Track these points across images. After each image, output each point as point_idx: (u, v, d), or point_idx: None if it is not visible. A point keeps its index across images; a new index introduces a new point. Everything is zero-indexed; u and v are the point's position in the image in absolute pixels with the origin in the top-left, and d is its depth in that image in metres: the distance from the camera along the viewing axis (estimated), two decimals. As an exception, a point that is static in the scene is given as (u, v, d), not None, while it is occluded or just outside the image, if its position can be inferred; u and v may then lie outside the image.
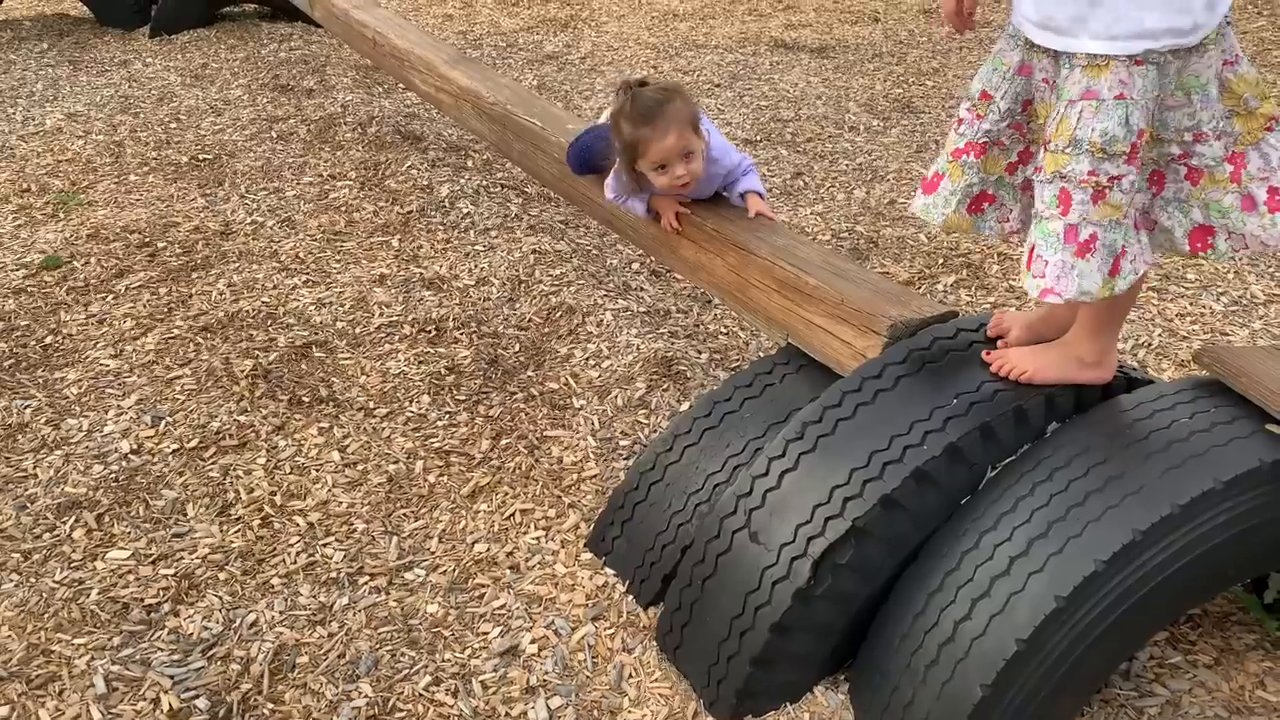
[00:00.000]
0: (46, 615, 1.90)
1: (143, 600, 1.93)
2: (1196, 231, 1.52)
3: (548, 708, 1.72)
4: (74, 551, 2.05)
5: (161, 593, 1.95)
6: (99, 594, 1.95)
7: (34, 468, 2.29)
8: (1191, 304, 2.93)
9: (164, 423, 2.42)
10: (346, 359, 2.68)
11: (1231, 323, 2.84)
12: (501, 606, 1.92)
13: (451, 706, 1.73)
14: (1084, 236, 1.47)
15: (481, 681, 1.77)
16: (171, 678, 1.77)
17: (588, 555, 2.01)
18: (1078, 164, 1.44)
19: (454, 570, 2.01)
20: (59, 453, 2.33)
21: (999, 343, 1.74)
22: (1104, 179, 1.44)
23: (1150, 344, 2.75)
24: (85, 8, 6.11)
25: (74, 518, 2.13)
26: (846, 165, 4.02)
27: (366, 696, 1.74)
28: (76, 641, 1.85)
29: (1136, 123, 1.42)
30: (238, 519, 2.14)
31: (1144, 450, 1.50)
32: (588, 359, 2.66)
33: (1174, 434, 1.52)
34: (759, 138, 4.31)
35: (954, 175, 1.64)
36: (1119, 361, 1.70)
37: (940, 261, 3.21)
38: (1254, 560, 1.56)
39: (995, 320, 1.78)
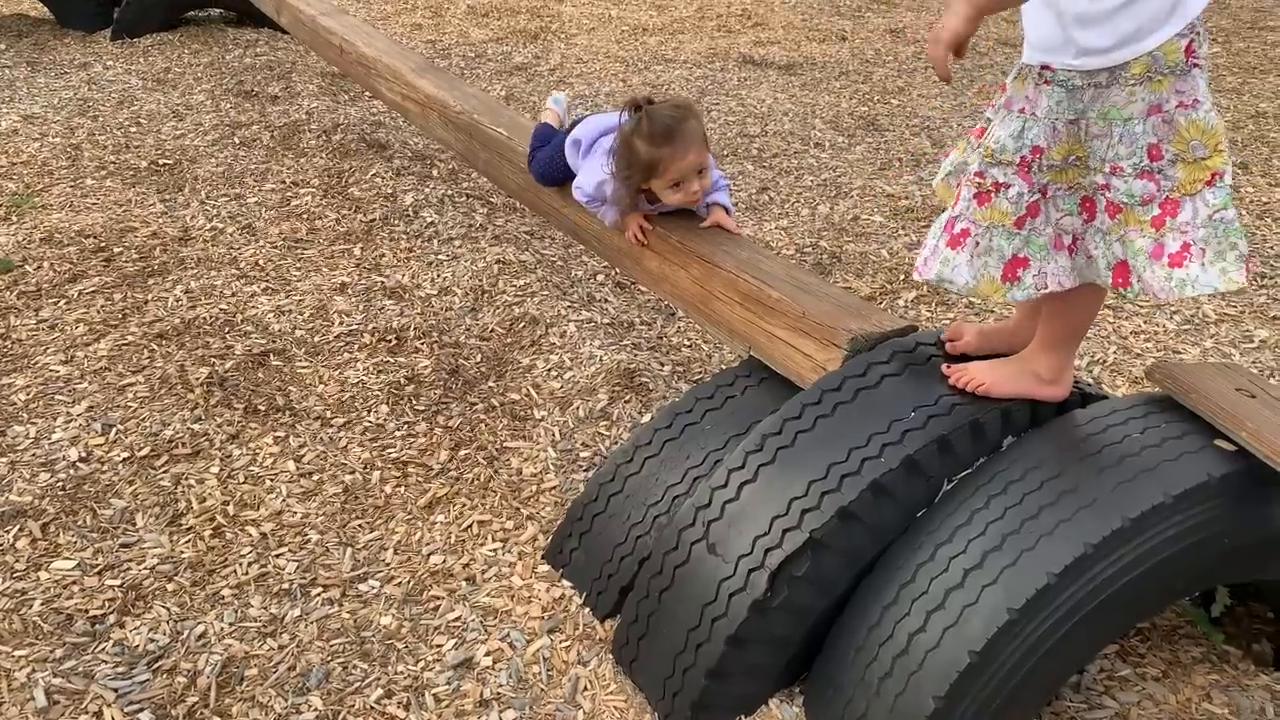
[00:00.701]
0: (-14, 626, 1.85)
1: (87, 611, 1.89)
2: (1119, 266, 1.50)
3: (502, 721, 1.70)
4: (17, 561, 2.00)
5: (107, 604, 1.90)
6: (42, 605, 1.90)
7: (-22, 475, 2.23)
8: (1146, 323, 2.98)
9: (114, 430, 2.37)
10: (304, 368, 2.65)
11: (1184, 341, 2.89)
12: (456, 619, 1.90)
13: (403, 719, 1.70)
14: (958, 229, 1.54)
15: (435, 694, 1.75)
16: (115, 691, 1.72)
17: (545, 567, 2.00)
18: (973, 163, 1.52)
19: (409, 582, 1.98)
20: (4, 460, 2.27)
21: (949, 345, 1.76)
22: (988, 183, 1.50)
23: (1106, 361, 2.79)
24: (45, 8, 6.01)
25: (18, 526, 2.08)
26: (811, 181, 4.05)
27: (316, 710, 1.71)
28: (17, 653, 1.80)
29: (1032, 138, 1.46)
30: (188, 529, 2.10)
31: (1096, 464, 1.52)
32: (550, 370, 2.65)
33: (1126, 449, 1.53)
34: (726, 152, 4.33)
35: (960, 148, 1.70)
36: (1074, 377, 1.72)
37: (902, 278, 3.23)
38: (1202, 574, 1.58)
39: (952, 329, 1.80)
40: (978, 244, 1.53)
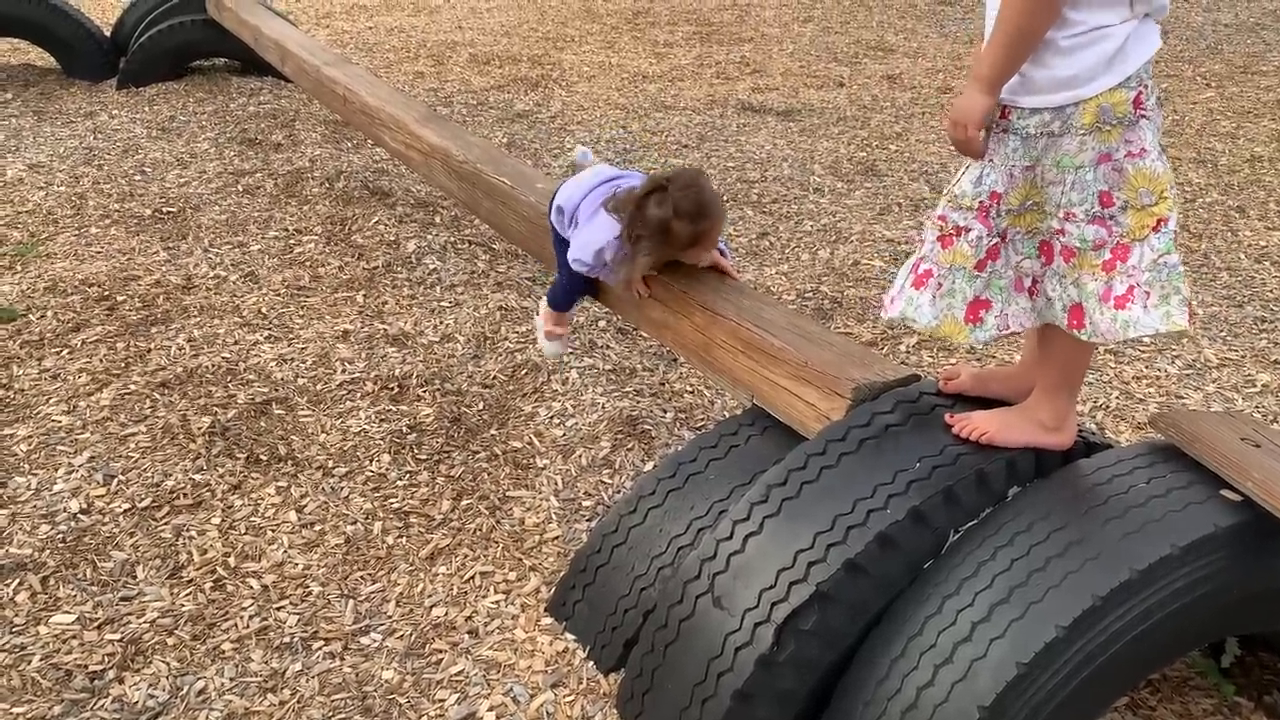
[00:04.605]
0: (-16, 683, 1.83)
1: (86, 667, 1.87)
2: (1074, 309, 1.56)
3: (505, 779, 1.67)
4: (16, 615, 1.98)
5: (106, 659, 1.89)
6: (41, 660, 1.88)
7: (-22, 527, 2.22)
8: (1148, 367, 2.99)
9: (116, 481, 2.37)
10: (307, 416, 2.65)
11: (1186, 386, 2.89)
12: (459, 672, 1.88)
13: (406, 778, 1.68)
14: (921, 270, 1.62)
15: (437, 752, 1.72)
16: (113, 749, 1.70)
17: (548, 620, 1.98)
18: (937, 207, 1.59)
19: (411, 634, 1.97)
20: (4, 512, 2.26)
21: (943, 384, 1.78)
22: (950, 226, 1.57)
23: (1108, 406, 2.79)
24: (52, 59, 6.10)
25: (18, 580, 2.06)
26: (811, 226, 4.07)
27: (317, 768, 1.69)
28: (15, 711, 1.78)
29: (990, 184, 1.53)
30: (189, 581, 2.08)
31: (1103, 515, 1.51)
32: (552, 417, 2.65)
33: (1132, 499, 1.53)
34: (726, 198, 4.37)
35: None
36: (1078, 425, 1.72)
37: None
38: (1211, 625, 1.56)
39: (949, 369, 1.82)
40: (940, 285, 1.60)
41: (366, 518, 2.28)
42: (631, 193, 2.12)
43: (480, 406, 2.70)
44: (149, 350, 2.95)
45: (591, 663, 1.86)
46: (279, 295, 3.31)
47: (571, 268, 2.29)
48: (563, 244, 2.39)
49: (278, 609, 2.02)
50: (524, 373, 2.86)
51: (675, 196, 2.04)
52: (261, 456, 2.47)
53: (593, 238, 2.20)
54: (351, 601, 2.05)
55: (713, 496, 1.83)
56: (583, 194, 2.27)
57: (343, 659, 1.91)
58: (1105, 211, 1.49)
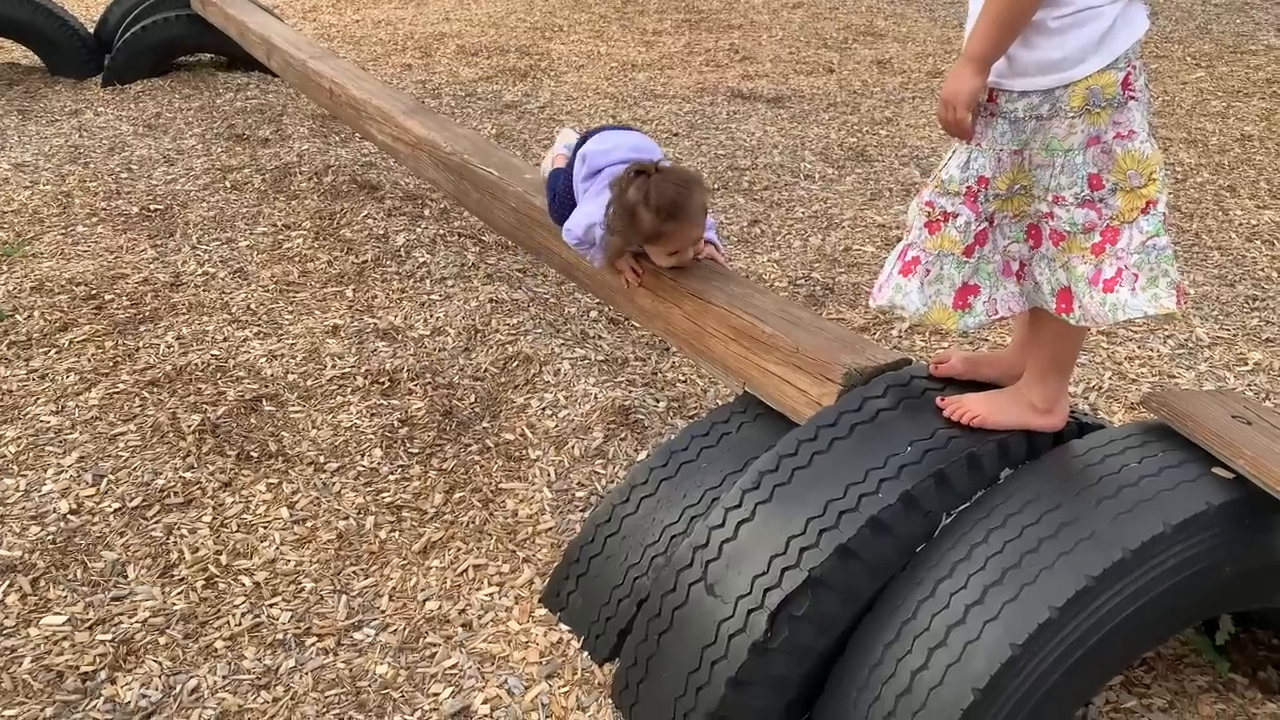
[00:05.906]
0: (-25, 685, 1.82)
1: (78, 668, 1.86)
2: (1062, 292, 1.55)
3: (501, 771, 1.67)
4: (6, 618, 1.97)
5: (98, 659, 1.87)
6: (31, 662, 1.87)
7: (-33, 529, 2.21)
8: (1140, 347, 2.98)
9: (105, 481, 2.35)
10: (297, 412, 2.63)
11: (1178, 365, 2.89)
12: (453, 666, 1.87)
13: (401, 772, 1.67)
14: (909, 257, 1.60)
15: (432, 745, 1.72)
16: (106, 749, 1.69)
17: (542, 611, 1.97)
18: (924, 192, 1.57)
19: (404, 629, 1.96)
20: (-6, 513, 2.25)
21: (935, 367, 1.77)
22: (937, 212, 1.55)
23: (1101, 387, 2.78)
24: (36, 56, 6.05)
25: (8, 582, 2.05)
26: (802, 213, 4.06)
27: (312, 764, 1.68)
28: (7, 713, 1.76)
29: (978, 168, 1.51)
30: (181, 580, 2.07)
31: (1095, 495, 1.51)
32: (544, 409, 2.64)
33: (1124, 479, 1.52)
34: (717, 186, 4.35)
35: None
36: (1070, 406, 1.71)
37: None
38: (1205, 603, 1.56)
39: (940, 353, 1.82)
40: (928, 271, 1.59)
41: (358, 513, 2.27)
42: (626, 172, 2.10)
43: (472, 399, 2.69)
44: (137, 349, 2.93)
45: (586, 653, 1.85)
46: (268, 291, 3.29)
47: (563, 236, 2.28)
48: (569, 193, 2.34)
49: (270, 606, 2.01)
50: (515, 365, 2.85)
51: (654, 185, 2.01)
52: (252, 453, 2.46)
53: (590, 211, 2.19)
54: (344, 597, 2.04)
55: (705, 484, 1.83)
56: (613, 160, 2.23)
57: (336, 655, 1.90)
58: (1095, 194, 1.48)
